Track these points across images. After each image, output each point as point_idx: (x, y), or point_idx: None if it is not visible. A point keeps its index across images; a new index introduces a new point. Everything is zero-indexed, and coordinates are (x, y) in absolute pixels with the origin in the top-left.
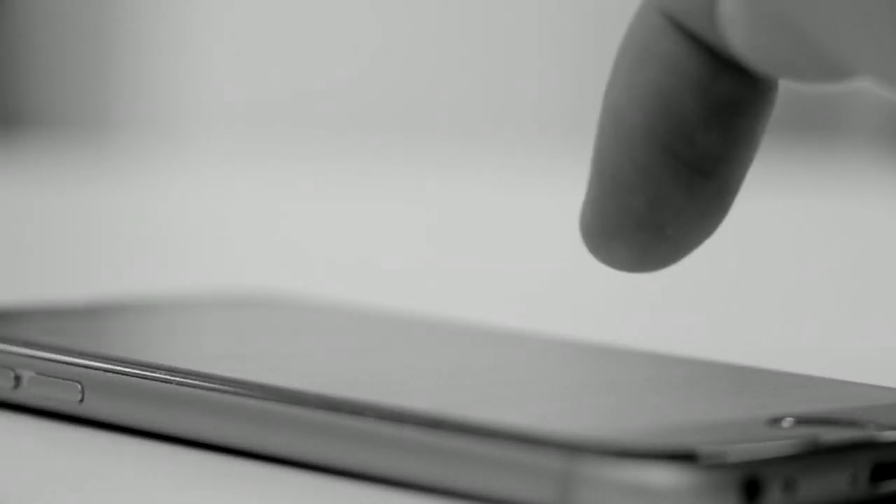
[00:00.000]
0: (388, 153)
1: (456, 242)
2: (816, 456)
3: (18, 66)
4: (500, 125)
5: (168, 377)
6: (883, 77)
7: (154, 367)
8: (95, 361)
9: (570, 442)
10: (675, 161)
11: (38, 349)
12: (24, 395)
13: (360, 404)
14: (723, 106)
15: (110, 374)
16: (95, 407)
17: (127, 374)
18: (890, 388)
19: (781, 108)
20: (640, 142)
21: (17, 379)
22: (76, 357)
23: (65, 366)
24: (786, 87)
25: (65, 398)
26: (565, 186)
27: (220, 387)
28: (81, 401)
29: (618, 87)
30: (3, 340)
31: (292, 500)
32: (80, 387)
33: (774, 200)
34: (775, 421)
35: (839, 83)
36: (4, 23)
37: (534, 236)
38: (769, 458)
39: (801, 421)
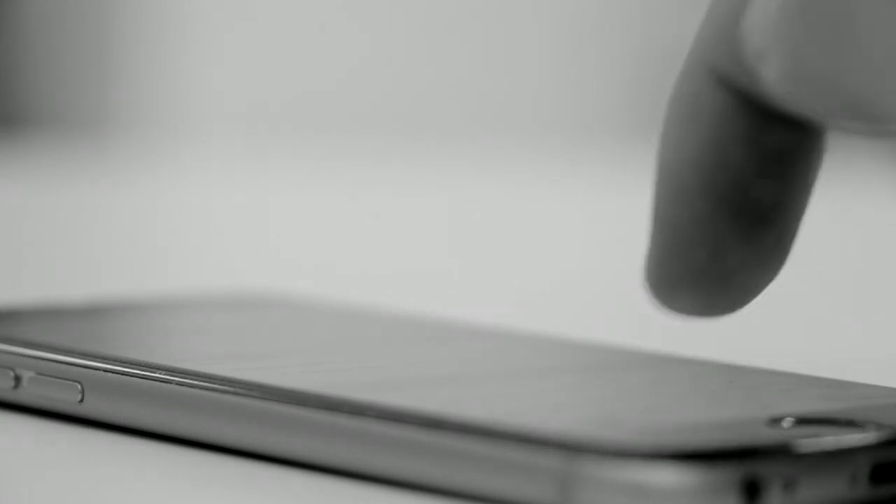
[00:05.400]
0: (388, 153)
1: (456, 242)
2: (816, 456)
3: (18, 66)
4: (500, 126)
5: (168, 377)
6: None
7: (154, 367)
8: (95, 361)
9: (570, 442)
10: (733, 213)
11: (38, 349)
12: (24, 395)
13: (360, 404)
14: (775, 156)
15: (110, 374)
16: (95, 407)
17: (127, 374)
18: (890, 388)
19: None
20: (697, 197)
21: (17, 379)
22: (76, 357)
23: (65, 366)
24: None
25: (65, 398)
26: (567, 187)
27: (220, 387)
28: (81, 401)
29: (670, 144)
30: (3, 340)
31: (292, 500)
32: (80, 387)
33: None
34: (775, 421)
35: (882, 133)
36: (4, 23)
37: (534, 237)
38: (769, 459)
39: (801, 421)
